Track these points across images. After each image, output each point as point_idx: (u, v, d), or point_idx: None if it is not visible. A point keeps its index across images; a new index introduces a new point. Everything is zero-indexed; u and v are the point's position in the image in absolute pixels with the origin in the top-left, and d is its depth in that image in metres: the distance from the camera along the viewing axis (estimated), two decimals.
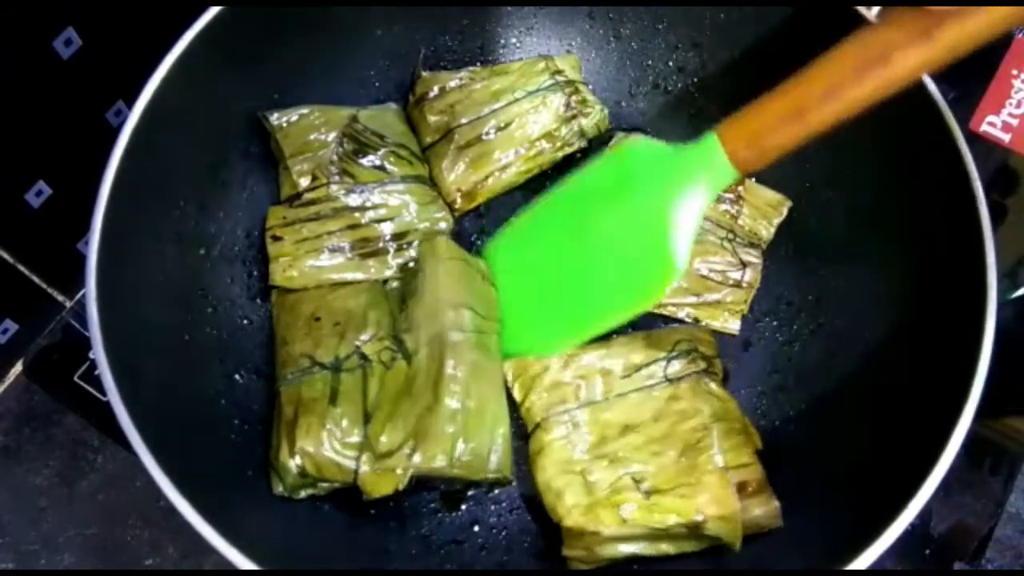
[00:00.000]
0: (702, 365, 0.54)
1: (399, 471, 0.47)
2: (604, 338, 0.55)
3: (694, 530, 0.48)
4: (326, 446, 0.47)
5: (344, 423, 0.48)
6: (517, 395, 0.54)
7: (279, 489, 0.48)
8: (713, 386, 0.53)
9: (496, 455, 0.49)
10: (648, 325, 0.58)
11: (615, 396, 0.53)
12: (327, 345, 0.51)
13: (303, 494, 0.49)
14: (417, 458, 0.47)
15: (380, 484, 0.47)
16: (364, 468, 0.47)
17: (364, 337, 0.51)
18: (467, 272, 0.55)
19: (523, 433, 0.53)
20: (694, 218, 0.48)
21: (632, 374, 0.54)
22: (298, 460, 0.47)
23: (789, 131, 0.44)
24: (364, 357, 0.51)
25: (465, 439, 0.48)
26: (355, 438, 0.48)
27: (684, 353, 0.54)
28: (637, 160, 0.51)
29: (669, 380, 0.53)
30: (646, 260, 0.50)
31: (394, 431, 0.48)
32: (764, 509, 0.48)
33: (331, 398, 0.49)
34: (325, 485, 0.48)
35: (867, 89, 0.41)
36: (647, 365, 0.54)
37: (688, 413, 0.52)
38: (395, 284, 0.57)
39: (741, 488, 0.49)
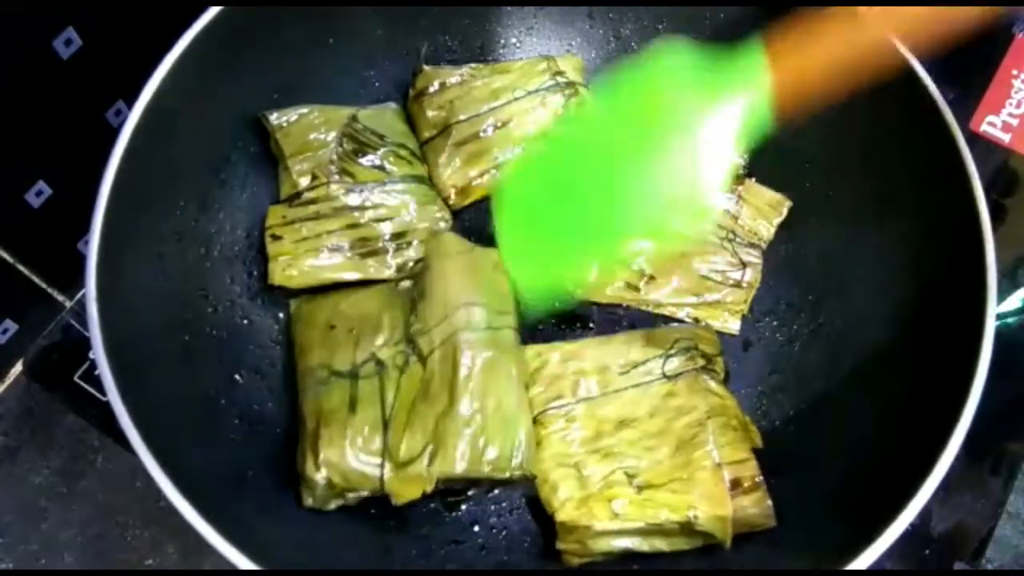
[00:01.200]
0: (701, 363, 0.54)
1: (424, 475, 0.47)
2: (604, 335, 0.56)
3: (686, 526, 0.48)
4: (349, 455, 0.47)
5: (365, 430, 0.48)
6: None
7: (309, 502, 0.48)
8: (712, 383, 0.53)
9: (520, 453, 0.48)
10: (648, 324, 0.58)
11: (612, 392, 0.53)
12: (343, 353, 0.51)
13: (332, 505, 0.48)
14: (437, 465, 0.47)
15: (407, 489, 0.47)
16: (388, 474, 0.47)
17: (379, 341, 0.51)
18: (475, 265, 0.54)
19: None
20: (729, 144, 0.43)
21: (630, 371, 0.54)
22: (324, 472, 0.47)
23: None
24: (380, 363, 0.50)
25: (486, 440, 0.48)
26: (377, 444, 0.48)
27: (683, 351, 0.54)
28: (669, 77, 0.45)
29: (667, 377, 0.53)
30: (675, 188, 0.45)
31: (412, 438, 0.48)
32: (758, 507, 0.48)
33: (350, 406, 0.49)
34: (353, 495, 0.48)
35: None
36: (645, 362, 0.54)
37: (684, 409, 0.52)
38: (407, 284, 0.56)
39: (735, 485, 0.49)
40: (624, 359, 0.54)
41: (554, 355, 0.55)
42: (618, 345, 0.55)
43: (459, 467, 0.47)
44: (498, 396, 0.50)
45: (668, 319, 0.59)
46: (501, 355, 0.51)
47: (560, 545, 0.49)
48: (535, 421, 0.53)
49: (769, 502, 0.48)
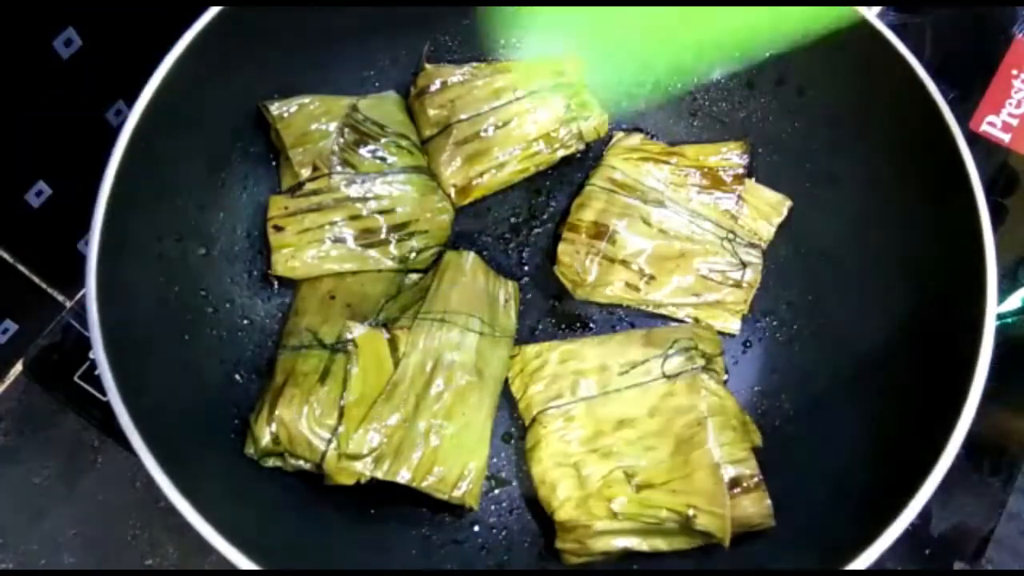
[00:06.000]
0: (700, 362, 0.54)
1: (363, 471, 0.48)
2: (604, 335, 0.55)
3: (685, 525, 0.48)
4: (303, 421, 0.48)
5: (327, 404, 0.48)
6: (516, 391, 0.54)
7: (250, 451, 0.48)
8: (712, 383, 0.53)
9: (464, 484, 0.49)
10: (648, 324, 0.58)
11: (611, 391, 0.53)
12: (333, 324, 0.52)
13: (270, 462, 0.49)
14: (382, 470, 0.48)
15: (343, 474, 0.48)
16: (331, 455, 0.48)
17: (370, 323, 0.52)
18: (487, 293, 0.55)
19: (522, 431, 0.53)
20: None
21: (629, 370, 0.54)
22: (273, 427, 0.48)
23: None
24: (356, 345, 0.51)
25: (435, 463, 0.49)
26: (332, 421, 0.48)
27: (682, 350, 0.54)
28: None
29: (666, 376, 0.53)
30: None
31: (365, 436, 0.48)
32: (757, 507, 0.48)
33: (322, 376, 0.49)
34: (293, 462, 0.49)
35: None
36: (644, 362, 0.54)
37: (683, 409, 0.52)
38: (415, 277, 0.57)
39: (735, 484, 0.49)
40: (624, 359, 0.54)
41: (554, 355, 0.55)
42: (617, 345, 0.55)
43: (401, 479, 0.48)
44: (463, 423, 0.50)
45: (668, 319, 0.59)
46: (480, 383, 0.51)
47: (559, 544, 0.49)
48: (534, 420, 0.53)
49: (768, 501, 0.48)
